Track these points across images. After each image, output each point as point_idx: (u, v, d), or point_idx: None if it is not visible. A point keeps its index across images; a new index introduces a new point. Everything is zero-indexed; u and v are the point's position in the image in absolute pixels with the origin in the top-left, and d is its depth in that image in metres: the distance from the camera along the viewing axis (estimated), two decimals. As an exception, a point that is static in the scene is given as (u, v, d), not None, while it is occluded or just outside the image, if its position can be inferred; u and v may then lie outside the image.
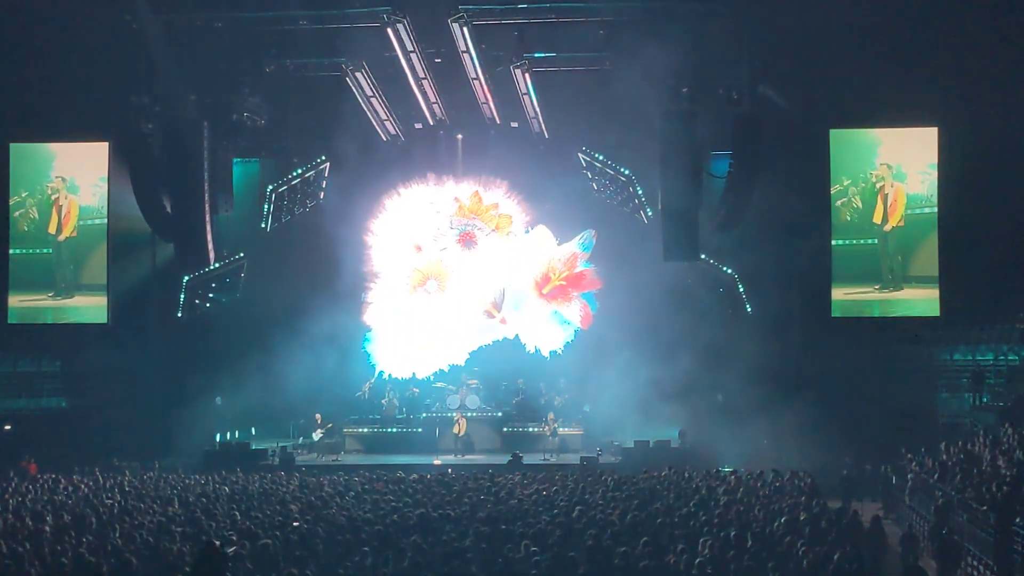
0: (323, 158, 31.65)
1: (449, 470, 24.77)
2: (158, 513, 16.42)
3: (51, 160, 30.77)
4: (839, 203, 29.09)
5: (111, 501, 18.17)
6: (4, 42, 27.77)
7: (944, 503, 17.85)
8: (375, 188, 32.25)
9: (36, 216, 30.61)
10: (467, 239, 32.70)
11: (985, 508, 16.38)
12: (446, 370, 31.93)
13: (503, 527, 14.03)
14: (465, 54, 27.20)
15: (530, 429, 30.16)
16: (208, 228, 27.95)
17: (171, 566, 12.18)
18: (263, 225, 30.98)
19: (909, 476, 21.64)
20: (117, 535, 14.00)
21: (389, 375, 31.52)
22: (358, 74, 28.36)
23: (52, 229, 30.56)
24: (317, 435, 29.69)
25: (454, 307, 32.21)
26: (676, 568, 11.76)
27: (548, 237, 32.43)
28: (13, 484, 21.37)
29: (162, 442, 28.43)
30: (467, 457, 28.55)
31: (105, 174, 30.30)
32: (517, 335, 31.57)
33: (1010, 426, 22.87)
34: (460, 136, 32.53)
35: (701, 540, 12.92)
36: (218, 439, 29.61)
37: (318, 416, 29.73)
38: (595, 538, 12.73)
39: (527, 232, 32.44)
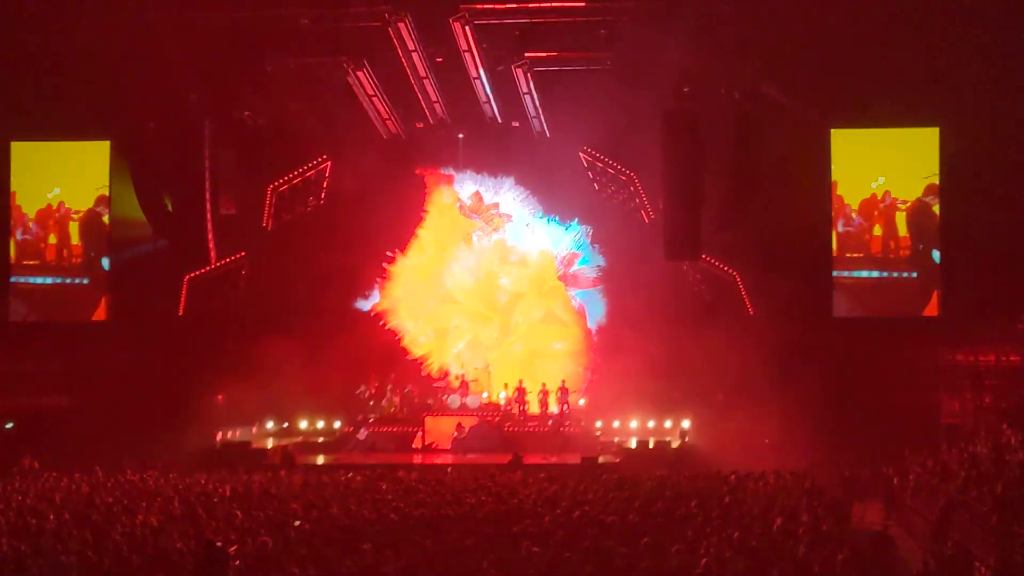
0: (324, 157, 31.65)
1: (449, 470, 24.73)
2: (159, 511, 16.42)
3: (53, 158, 30.78)
4: (839, 202, 29.09)
5: (112, 499, 18.16)
6: (6, 40, 27.76)
7: (946, 504, 17.83)
8: (376, 187, 32.27)
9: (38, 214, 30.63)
10: (467, 239, 32.69)
11: (987, 509, 16.36)
12: (448, 369, 31.98)
13: (504, 527, 14.02)
14: (467, 53, 27.19)
15: (531, 429, 30.13)
16: (209, 227, 27.95)
17: (172, 565, 12.17)
18: (264, 224, 30.97)
19: (911, 477, 21.62)
20: (118, 533, 13.99)
21: (392, 375, 31.51)
22: (359, 73, 28.31)
23: (53, 227, 30.56)
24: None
25: (454, 306, 32.25)
26: (677, 569, 11.75)
27: (545, 236, 32.45)
28: (15, 482, 21.37)
29: (163, 440, 28.40)
30: (468, 457, 28.51)
31: (107, 172, 30.33)
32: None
33: (1010, 427, 22.83)
34: (461, 135, 32.51)
35: (702, 541, 12.92)
36: (219, 437, 29.61)
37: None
38: (595, 539, 12.72)
39: (526, 231, 32.45)
